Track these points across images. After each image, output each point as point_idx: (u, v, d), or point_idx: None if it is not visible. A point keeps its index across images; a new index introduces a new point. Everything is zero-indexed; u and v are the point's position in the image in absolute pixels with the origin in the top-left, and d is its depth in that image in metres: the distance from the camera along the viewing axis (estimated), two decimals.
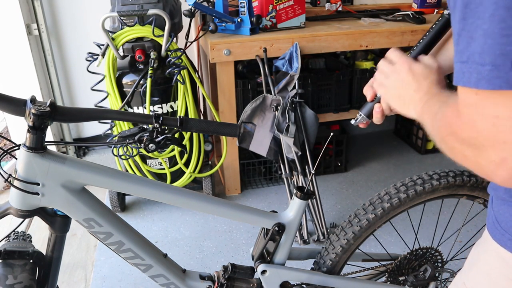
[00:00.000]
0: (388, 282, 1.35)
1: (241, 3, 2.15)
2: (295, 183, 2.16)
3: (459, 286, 0.79)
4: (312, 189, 2.11)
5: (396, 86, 0.80)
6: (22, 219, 1.01)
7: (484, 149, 0.49)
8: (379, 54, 2.61)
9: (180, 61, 2.01)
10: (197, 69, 2.48)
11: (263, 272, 1.17)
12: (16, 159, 0.93)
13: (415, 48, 0.92)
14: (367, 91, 0.97)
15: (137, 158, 2.17)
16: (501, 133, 0.47)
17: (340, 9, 2.67)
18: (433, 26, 0.91)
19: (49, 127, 0.92)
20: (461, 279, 0.79)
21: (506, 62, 0.45)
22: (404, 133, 3.14)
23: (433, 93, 0.71)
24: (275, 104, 2.11)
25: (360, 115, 0.98)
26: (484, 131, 0.48)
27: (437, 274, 1.35)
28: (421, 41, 0.92)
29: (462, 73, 0.49)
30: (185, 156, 2.21)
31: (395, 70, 0.81)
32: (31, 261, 1.05)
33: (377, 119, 0.94)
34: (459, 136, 0.53)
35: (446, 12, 0.90)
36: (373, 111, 0.94)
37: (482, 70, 0.46)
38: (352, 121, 1.01)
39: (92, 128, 2.79)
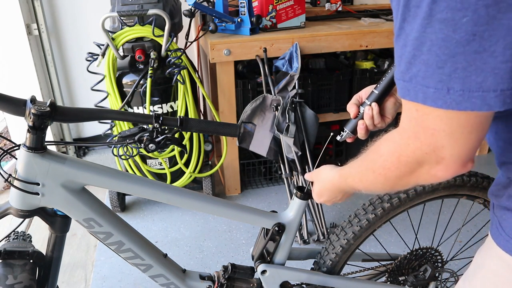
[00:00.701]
0: (388, 282, 1.35)
1: (241, 3, 2.15)
2: (295, 183, 2.16)
3: None
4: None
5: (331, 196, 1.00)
6: (22, 219, 1.01)
7: (427, 156, 0.61)
8: (379, 54, 2.61)
9: (180, 61, 2.01)
10: (197, 69, 2.48)
11: (263, 272, 1.17)
12: (16, 159, 0.93)
13: (379, 84, 1.00)
14: (350, 108, 1.04)
15: (137, 158, 2.17)
16: (438, 141, 0.58)
17: (340, 9, 2.67)
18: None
19: (49, 127, 0.92)
20: (464, 285, 0.79)
21: (444, 87, 0.54)
22: None
23: (341, 174, 0.90)
24: (275, 104, 2.11)
25: (345, 131, 1.04)
26: (426, 140, 0.59)
27: (437, 274, 1.35)
28: (383, 78, 0.99)
29: (407, 90, 0.58)
30: (185, 156, 2.21)
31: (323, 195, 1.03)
32: (31, 261, 1.05)
33: (361, 134, 1.01)
34: (404, 154, 0.64)
35: None
36: (357, 127, 1.01)
37: (427, 91, 0.55)
38: (338, 137, 1.07)
39: (92, 128, 2.79)
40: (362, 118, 1.01)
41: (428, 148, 0.60)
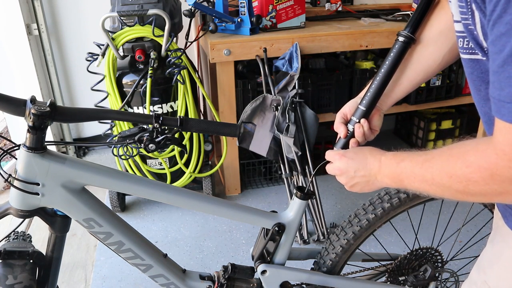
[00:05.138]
0: (388, 282, 1.35)
1: (241, 3, 2.15)
2: (295, 183, 2.16)
3: (479, 286, 0.77)
4: (312, 189, 2.11)
5: (362, 182, 0.89)
6: (22, 219, 1.01)
7: None
8: (379, 54, 2.61)
9: (180, 61, 2.01)
10: (197, 69, 2.48)
11: (263, 272, 1.17)
12: (16, 159, 0.93)
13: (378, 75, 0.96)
14: (339, 128, 1.01)
15: (137, 158, 2.17)
16: None
17: (340, 9, 2.67)
18: (392, 52, 0.94)
19: (49, 127, 0.92)
20: (480, 278, 0.78)
21: None
22: (404, 133, 3.13)
23: (395, 156, 0.79)
24: (275, 104, 2.11)
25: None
26: None
27: (437, 274, 1.35)
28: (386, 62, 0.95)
29: None
30: (185, 156, 2.21)
31: (352, 175, 0.90)
32: (31, 261, 1.05)
33: None
34: (500, 175, 0.58)
35: (400, 38, 0.93)
36: (349, 146, 0.99)
37: None
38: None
39: (92, 128, 2.79)
40: (353, 136, 0.99)
41: None
